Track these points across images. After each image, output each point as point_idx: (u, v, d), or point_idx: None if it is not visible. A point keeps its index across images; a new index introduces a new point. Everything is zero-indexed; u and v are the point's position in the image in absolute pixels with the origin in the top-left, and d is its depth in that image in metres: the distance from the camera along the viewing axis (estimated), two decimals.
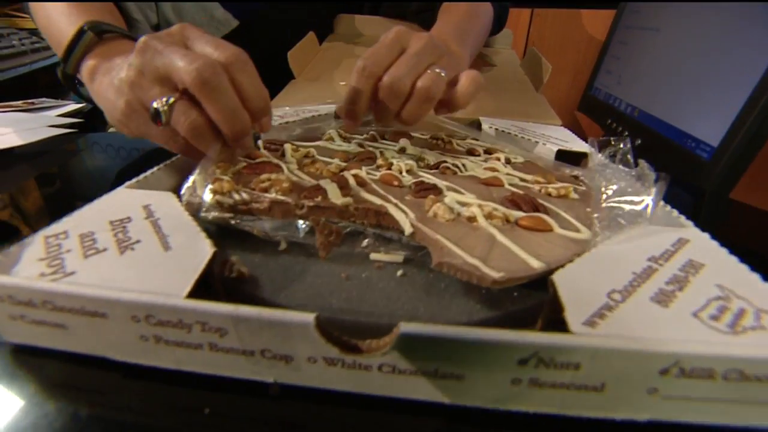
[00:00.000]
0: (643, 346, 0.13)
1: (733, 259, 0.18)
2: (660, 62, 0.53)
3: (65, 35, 0.32)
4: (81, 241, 0.18)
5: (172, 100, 0.22)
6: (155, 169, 0.26)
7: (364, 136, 0.36)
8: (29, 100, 0.53)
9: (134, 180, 0.24)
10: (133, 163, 0.39)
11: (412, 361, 0.13)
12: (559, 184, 0.25)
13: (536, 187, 0.25)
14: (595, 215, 0.22)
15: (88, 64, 0.31)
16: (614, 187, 0.23)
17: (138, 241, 0.18)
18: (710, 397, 0.13)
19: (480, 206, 0.21)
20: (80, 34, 0.31)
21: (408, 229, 0.20)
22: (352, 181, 0.24)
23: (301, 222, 0.21)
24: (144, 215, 0.20)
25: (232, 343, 0.14)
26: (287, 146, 0.28)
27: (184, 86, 0.22)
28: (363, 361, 0.14)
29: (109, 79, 0.27)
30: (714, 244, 0.19)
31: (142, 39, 0.23)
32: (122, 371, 0.16)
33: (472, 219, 0.21)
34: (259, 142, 0.29)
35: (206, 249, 0.18)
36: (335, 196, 0.22)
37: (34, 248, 0.17)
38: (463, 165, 0.28)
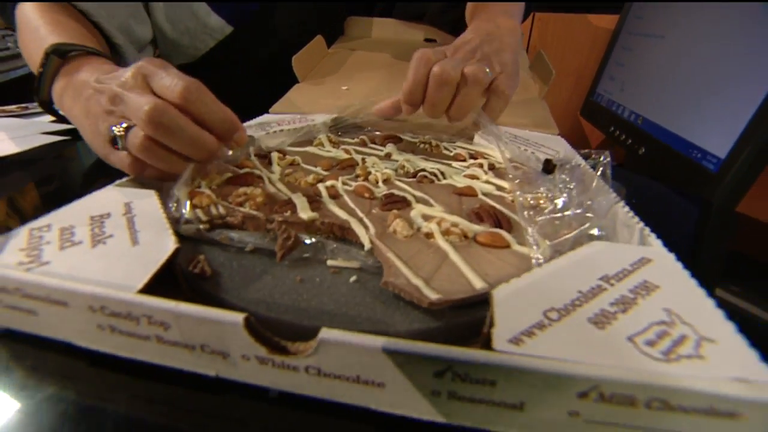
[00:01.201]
0: (560, 368, 0.13)
1: (692, 283, 0.17)
2: (665, 70, 0.51)
3: (37, 59, 0.32)
4: (60, 234, 0.19)
5: (125, 125, 0.24)
6: None
7: (355, 140, 0.36)
8: (23, 105, 0.53)
9: (125, 178, 0.26)
10: None
11: (334, 366, 0.14)
12: (531, 195, 0.24)
13: (509, 197, 0.25)
14: (571, 234, 0.21)
15: (56, 87, 0.32)
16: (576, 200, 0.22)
17: (111, 236, 0.19)
18: (634, 425, 0.13)
19: (439, 222, 0.22)
20: (46, 60, 0.32)
21: (367, 245, 0.21)
22: (324, 193, 0.25)
23: None
24: (123, 212, 0.21)
25: (175, 336, 0.15)
26: (274, 155, 0.30)
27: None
28: (290, 362, 0.14)
29: (77, 104, 0.29)
30: (677, 266, 0.18)
31: (97, 80, 0.26)
32: (88, 359, 0.18)
33: (429, 235, 0.21)
34: (251, 149, 0.31)
35: (170, 245, 0.19)
36: (303, 211, 0.23)
37: (18, 239, 0.19)
38: (442, 173, 0.28)
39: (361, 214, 0.23)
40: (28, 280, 0.16)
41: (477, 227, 0.22)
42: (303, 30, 0.55)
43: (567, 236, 0.21)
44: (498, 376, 0.13)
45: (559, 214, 0.22)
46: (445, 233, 0.21)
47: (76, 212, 0.21)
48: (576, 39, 0.85)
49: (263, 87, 0.51)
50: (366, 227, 0.22)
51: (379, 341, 0.13)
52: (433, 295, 0.16)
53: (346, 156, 0.32)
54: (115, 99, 0.25)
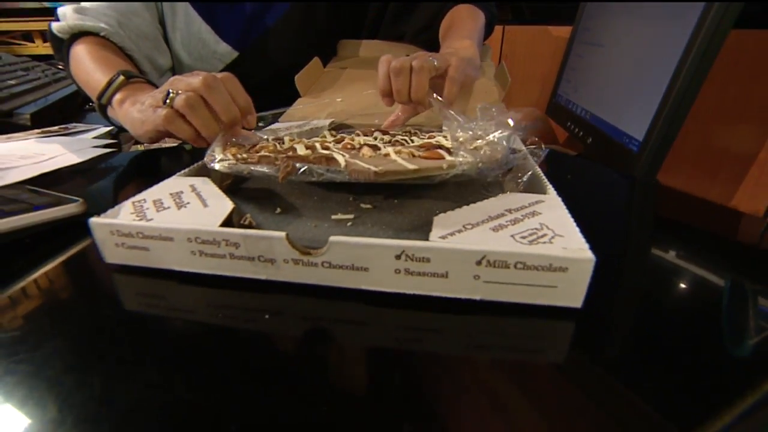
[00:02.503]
0: (464, 247, 0.22)
1: (565, 210, 0.27)
2: (604, 72, 0.62)
3: (100, 82, 0.49)
4: (154, 204, 0.29)
5: (178, 91, 0.39)
6: (194, 165, 0.37)
7: (352, 135, 0.46)
8: (63, 126, 0.64)
9: (183, 171, 0.36)
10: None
11: (338, 259, 0.24)
12: (469, 133, 0.35)
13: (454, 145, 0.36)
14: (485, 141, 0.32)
15: (117, 98, 0.48)
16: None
17: (188, 203, 0.29)
18: (511, 281, 0.23)
19: (393, 145, 0.32)
20: (114, 78, 0.48)
21: (342, 163, 0.29)
22: (318, 146, 0.35)
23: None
24: (191, 190, 0.32)
25: (242, 252, 0.25)
26: (285, 137, 0.40)
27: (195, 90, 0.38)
28: (313, 260, 0.24)
29: (135, 107, 0.44)
30: (558, 202, 0.28)
31: (152, 94, 0.42)
32: (178, 279, 0.27)
33: (387, 155, 0.31)
34: (267, 134, 0.41)
35: (228, 206, 0.29)
36: (301, 150, 0.32)
37: (127, 208, 0.29)
38: (412, 139, 0.39)
39: (340, 151, 0.33)
40: (147, 225, 0.26)
41: (422, 152, 0.32)
42: (291, 55, 0.67)
43: (481, 144, 0.31)
44: (431, 254, 0.23)
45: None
46: (398, 153, 0.31)
47: (160, 191, 0.31)
48: (540, 48, 0.98)
49: (267, 102, 0.64)
50: (343, 156, 0.31)
51: (363, 240, 0.23)
52: (375, 168, 0.27)
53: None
54: (173, 83, 0.40)
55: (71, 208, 0.33)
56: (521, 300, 0.23)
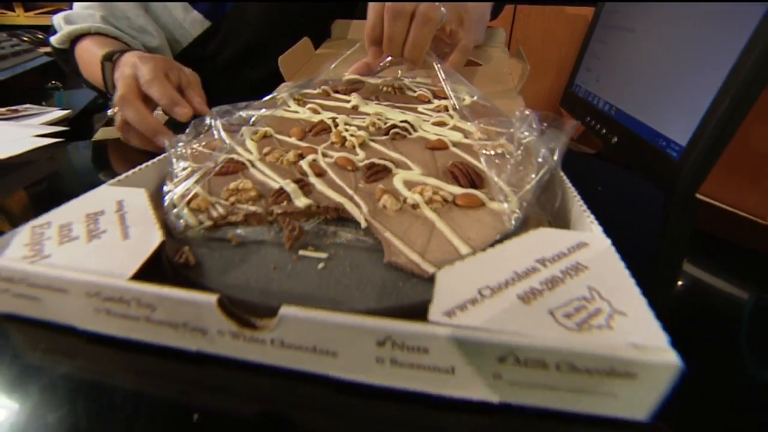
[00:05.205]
0: (481, 336, 0.15)
1: (620, 265, 0.19)
2: (635, 62, 0.53)
3: (98, 72, 0.48)
4: (59, 231, 0.22)
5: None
6: (136, 168, 0.29)
7: (317, 91, 0.38)
8: (13, 107, 0.56)
9: (116, 179, 0.28)
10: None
11: (293, 338, 0.16)
12: (498, 142, 0.27)
13: (476, 145, 0.28)
14: (534, 179, 0.25)
15: (115, 77, 0.45)
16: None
17: (104, 231, 0.22)
18: (547, 384, 0.15)
19: (421, 192, 0.24)
20: (103, 66, 0.46)
21: (363, 224, 0.23)
22: (310, 172, 0.27)
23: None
24: (115, 209, 0.24)
25: (161, 316, 0.18)
26: (245, 130, 0.31)
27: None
28: (258, 335, 0.17)
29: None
30: (610, 250, 0.20)
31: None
32: (86, 338, 0.20)
33: (415, 206, 0.24)
34: (218, 123, 0.33)
35: (156, 238, 0.21)
36: (297, 199, 0.25)
37: (23, 236, 0.21)
38: (412, 126, 0.31)
39: (350, 192, 0.25)
40: (33, 271, 0.19)
41: (454, 189, 0.25)
42: (270, 28, 0.61)
43: (530, 185, 0.24)
44: (430, 343, 0.15)
45: (521, 165, 0.26)
46: (429, 202, 0.24)
47: (73, 210, 0.24)
48: (556, 32, 0.88)
49: (240, 80, 0.63)
50: (358, 205, 0.24)
51: (329, 316, 0.15)
52: (430, 269, 0.19)
53: (314, 117, 0.33)
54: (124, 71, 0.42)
55: None
56: (561, 407, 0.16)
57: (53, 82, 0.78)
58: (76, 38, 0.55)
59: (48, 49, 0.80)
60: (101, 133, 0.53)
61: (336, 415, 0.17)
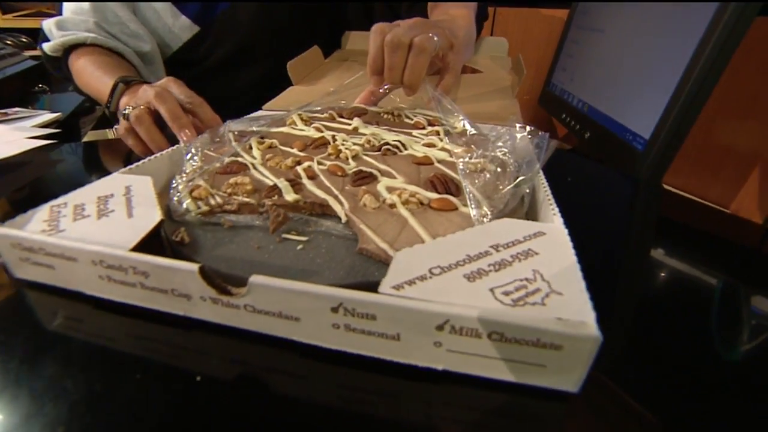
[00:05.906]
0: (422, 306, 0.17)
1: (570, 252, 0.20)
2: (604, 61, 0.55)
3: (102, 90, 0.49)
4: (74, 210, 0.25)
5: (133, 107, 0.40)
6: (146, 159, 0.33)
7: (325, 115, 0.40)
8: (2, 110, 0.56)
9: (127, 168, 0.31)
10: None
11: (263, 304, 0.18)
12: (476, 160, 0.29)
13: (460, 163, 0.29)
14: (506, 189, 0.26)
15: (123, 100, 0.47)
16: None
17: (113, 211, 0.25)
18: (483, 353, 0.17)
19: (400, 194, 0.26)
20: (115, 86, 0.48)
21: (344, 218, 0.25)
22: (303, 175, 0.30)
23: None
24: (123, 192, 0.27)
25: (153, 283, 0.20)
26: (253, 140, 0.34)
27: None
28: (233, 301, 0.19)
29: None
30: (565, 239, 0.22)
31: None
32: (93, 303, 0.23)
33: (392, 206, 0.26)
34: (230, 134, 0.35)
35: (155, 218, 0.24)
36: (288, 194, 0.27)
37: (42, 213, 0.24)
38: (403, 145, 0.32)
39: (336, 192, 0.28)
40: (49, 241, 0.22)
41: (431, 195, 0.27)
42: (261, 32, 0.62)
43: (502, 192, 0.26)
44: (378, 310, 0.17)
45: (497, 179, 0.27)
46: (405, 203, 0.26)
47: (87, 193, 0.27)
48: (534, 32, 0.90)
49: (229, 87, 0.64)
50: (341, 203, 0.26)
51: (291, 284, 0.17)
52: (391, 253, 0.21)
53: (318, 134, 0.36)
54: (139, 95, 0.42)
55: None
56: (497, 376, 0.18)
57: (40, 85, 0.78)
58: (69, 47, 0.55)
59: (34, 53, 0.80)
60: (91, 135, 0.57)
61: (301, 378, 0.19)
